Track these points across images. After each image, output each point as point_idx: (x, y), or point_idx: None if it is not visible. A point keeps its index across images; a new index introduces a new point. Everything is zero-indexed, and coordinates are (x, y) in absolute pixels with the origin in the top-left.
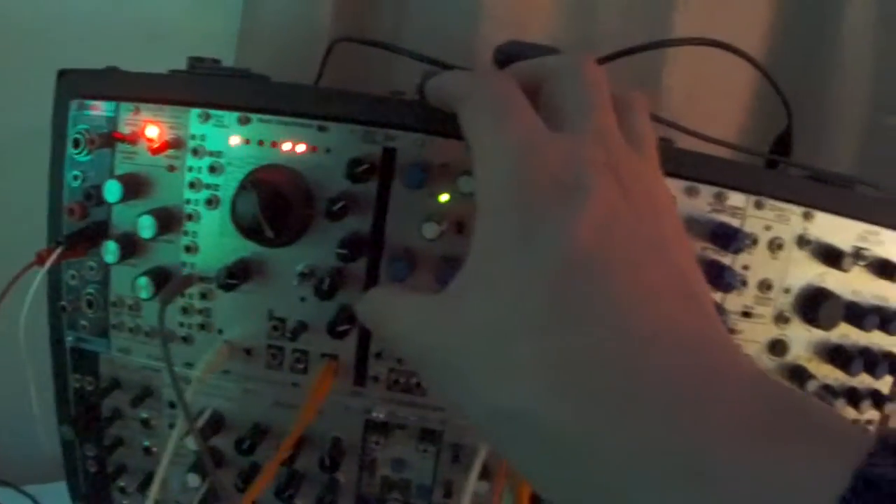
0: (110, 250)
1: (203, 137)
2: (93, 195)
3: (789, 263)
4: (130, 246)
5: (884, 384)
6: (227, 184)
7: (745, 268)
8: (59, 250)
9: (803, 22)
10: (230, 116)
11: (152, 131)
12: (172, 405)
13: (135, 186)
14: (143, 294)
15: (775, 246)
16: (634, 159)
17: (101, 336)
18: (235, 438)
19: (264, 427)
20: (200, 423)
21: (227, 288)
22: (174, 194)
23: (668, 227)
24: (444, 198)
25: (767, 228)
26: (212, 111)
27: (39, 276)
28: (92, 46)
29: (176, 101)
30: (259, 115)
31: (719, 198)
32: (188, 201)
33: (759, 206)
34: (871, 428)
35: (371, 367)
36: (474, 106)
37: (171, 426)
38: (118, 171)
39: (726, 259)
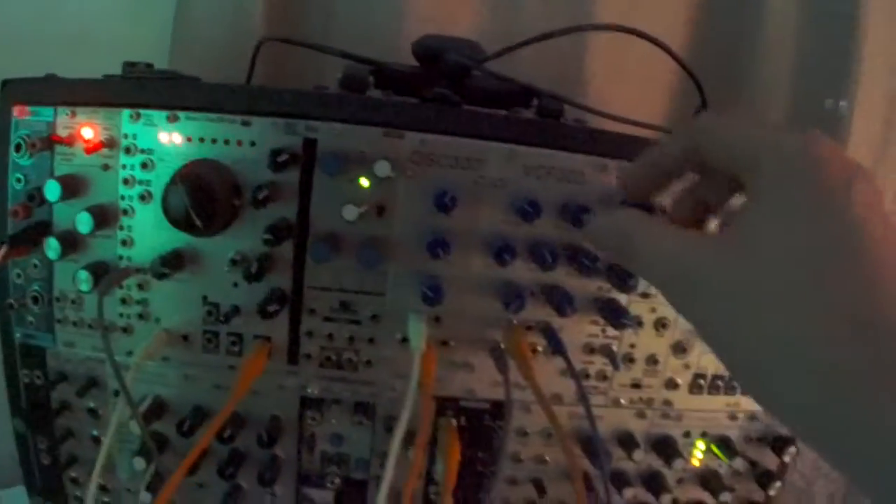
0: (52, 247)
1: (135, 136)
2: (35, 196)
3: None
4: (71, 242)
5: None
6: (159, 179)
7: None
8: (3, 250)
9: (725, 7)
10: (159, 115)
11: (88, 133)
12: (118, 394)
13: (73, 186)
14: (84, 287)
15: None
16: None
17: (47, 331)
18: (176, 421)
19: (205, 410)
20: (142, 409)
21: (161, 277)
22: (110, 191)
23: None
24: (364, 182)
25: None
26: (142, 111)
27: None
28: (30, 55)
29: (108, 103)
30: (186, 113)
31: None
32: (123, 197)
33: None
34: None
35: (303, 346)
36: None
37: (132, 416)
38: (57, 172)
39: None
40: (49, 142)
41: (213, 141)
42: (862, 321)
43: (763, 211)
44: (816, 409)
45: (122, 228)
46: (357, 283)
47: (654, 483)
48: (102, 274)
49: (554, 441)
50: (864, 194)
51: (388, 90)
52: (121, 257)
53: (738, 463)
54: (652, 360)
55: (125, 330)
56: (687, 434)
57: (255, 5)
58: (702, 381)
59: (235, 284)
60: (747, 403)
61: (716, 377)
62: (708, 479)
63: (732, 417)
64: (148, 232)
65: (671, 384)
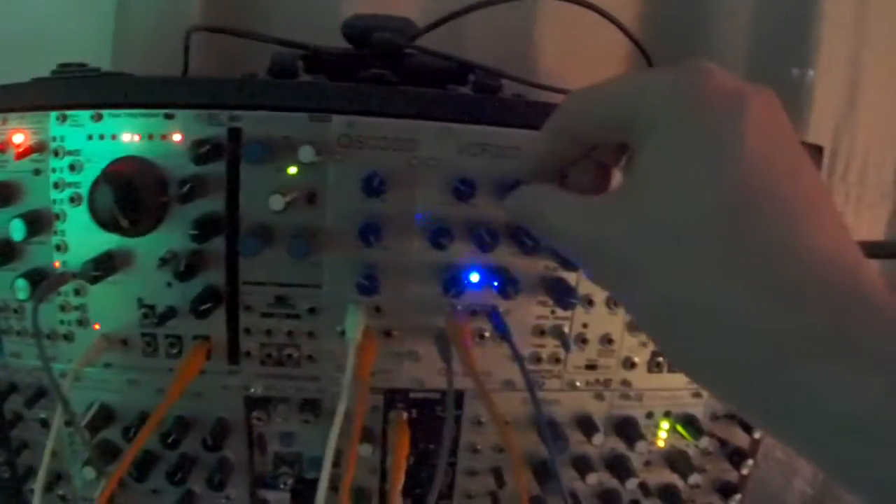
0: None
1: (62, 138)
2: None
3: None
4: (7, 251)
5: None
6: (87, 180)
7: None
8: None
9: None
10: (84, 115)
11: (18, 138)
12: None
13: (6, 193)
14: (21, 295)
15: None
16: None
17: None
18: (122, 428)
19: (150, 414)
20: (89, 416)
21: (94, 280)
22: (42, 196)
23: None
24: (292, 170)
25: None
26: (68, 112)
27: None
28: None
29: (36, 107)
30: (109, 111)
31: None
32: (55, 201)
33: None
34: None
35: (243, 344)
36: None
37: (68, 423)
38: None
39: None
40: None
41: (138, 137)
42: (779, 282)
43: (648, 167)
44: (742, 385)
45: (55, 233)
46: (293, 276)
47: (618, 467)
48: (40, 281)
49: (511, 429)
50: (759, 124)
51: (320, 74)
52: (56, 263)
53: (707, 442)
54: (606, 340)
55: (66, 337)
56: (650, 415)
57: None
58: (661, 359)
59: (169, 284)
60: None
61: None
62: (676, 461)
63: (696, 395)
64: (81, 235)
65: (629, 363)
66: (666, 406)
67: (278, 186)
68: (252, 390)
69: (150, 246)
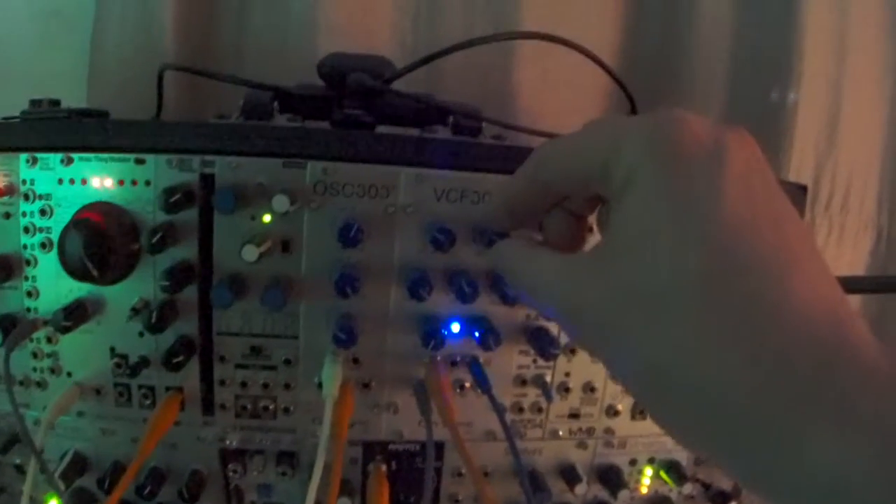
0: None
1: (33, 181)
2: None
3: None
4: None
5: None
6: (58, 225)
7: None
8: None
9: (656, 8)
10: (55, 158)
11: None
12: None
13: None
14: None
15: None
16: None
17: None
18: (97, 478)
19: (124, 465)
20: (63, 465)
21: (64, 330)
22: (12, 241)
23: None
24: (266, 218)
25: None
26: (38, 155)
27: None
28: None
29: (5, 148)
30: (79, 155)
31: None
32: (25, 246)
33: None
34: None
35: (217, 395)
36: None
37: (42, 471)
38: None
39: None
40: None
41: (109, 182)
42: (762, 343)
43: (624, 227)
44: (730, 448)
45: (26, 279)
46: (268, 327)
47: None
48: (11, 327)
49: (492, 479)
50: (738, 174)
51: (295, 115)
52: (28, 309)
53: (691, 488)
54: (589, 388)
55: (39, 385)
56: (633, 461)
57: (163, 30)
58: None
59: (142, 334)
60: None
61: None
62: None
63: None
64: (52, 282)
65: (612, 411)
66: (649, 452)
67: (252, 235)
68: (227, 442)
69: (121, 294)
